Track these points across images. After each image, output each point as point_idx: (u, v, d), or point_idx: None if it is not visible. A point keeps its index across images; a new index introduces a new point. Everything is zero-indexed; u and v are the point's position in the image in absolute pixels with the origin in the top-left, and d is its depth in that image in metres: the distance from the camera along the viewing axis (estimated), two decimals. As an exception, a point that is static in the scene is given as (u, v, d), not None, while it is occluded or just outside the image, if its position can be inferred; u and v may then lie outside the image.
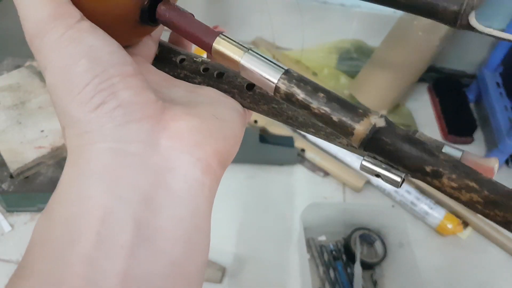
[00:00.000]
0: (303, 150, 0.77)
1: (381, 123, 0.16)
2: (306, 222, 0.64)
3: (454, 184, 0.16)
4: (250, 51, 0.19)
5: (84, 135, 0.16)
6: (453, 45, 0.89)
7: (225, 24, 0.97)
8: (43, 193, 0.60)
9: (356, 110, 0.16)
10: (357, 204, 0.73)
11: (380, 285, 0.63)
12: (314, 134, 0.20)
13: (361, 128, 0.16)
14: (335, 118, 0.16)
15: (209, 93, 0.21)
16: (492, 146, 0.83)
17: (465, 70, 0.96)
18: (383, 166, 0.17)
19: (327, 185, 0.75)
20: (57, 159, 0.62)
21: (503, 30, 0.86)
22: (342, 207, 0.70)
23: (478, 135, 0.88)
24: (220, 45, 0.20)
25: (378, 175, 0.17)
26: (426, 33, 0.74)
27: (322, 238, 0.67)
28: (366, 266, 0.63)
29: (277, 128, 0.80)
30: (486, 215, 0.16)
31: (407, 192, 0.72)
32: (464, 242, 0.70)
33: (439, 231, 0.69)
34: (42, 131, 0.62)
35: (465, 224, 0.71)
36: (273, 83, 0.18)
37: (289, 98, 0.17)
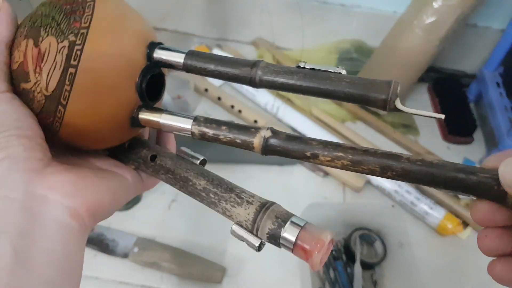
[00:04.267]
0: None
1: (268, 134, 0.23)
2: (306, 222, 0.64)
3: (328, 158, 0.21)
4: (166, 112, 0.25)
5: None
6: (453, 45, 0.89)
7: (225, 24, 0.97)
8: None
9: (249, 130, 0.23)
10: (357, 204, 0.73)
11: (380, 285, 0.63)
12: (200, 200, 0.24)
13: (256, 141, 0.23)
14: (238, 140, 0.23)
15: (105, 165, 0.26)
16: (492, 146, 0.83)
17: (465, 70, 0.96)
18: (247, 233, 0.22)
19: (327, 185, 0.75)
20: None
21: (503, 30, 0.86)
22: (342, 207, 0.70)
23: (478, 135, 0.88)
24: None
25: (242, 239, 0.23)
26: (426, 33, 0.74)
27: (322, 238, 0.67)
28: (366, 266, 0.63)
29: (277, 128, 0.80)
30: (358, 171, 0.21)
31: (407, 192, 0.72)
32: (464, 242, 0.70)
33: (439, 231, 0.69)
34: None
35: (465, 224, 0.71)
36: (188, 129, 0.24)
37: (203, 136, 0.24)
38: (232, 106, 0.82)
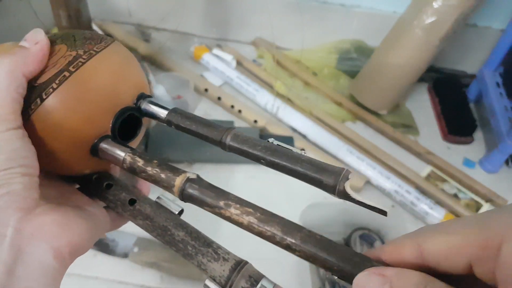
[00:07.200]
0: (303, 150, 0.77)
1: (193, 176, 0.24)
2: (306, 222, 0.64)
3: (238, 211, 0.22)
4: (108, 138, 0.25)
5: None
6: (453, 45, 0.89)
7: (225, 24, 0.97)
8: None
9: (177, 169, 0.24)
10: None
11: (380, 285, 0.63)
12: (177, 251, 0.25)
13: (178, 180, 0.23)
14: (163, 175, 0.24)
15: (77, 200, 0.26)
16: (492, 146, 0.83)
17: (465, 70, 0.96)
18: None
19: (327, 185, 0.75)
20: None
21: (503, 30, 0.86)
22: (342, 207, 0.70)
23: (478, 135, 0.88)
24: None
25: None
26: (426, 33, 0.74)
27: (322, 238, 0.67)
28: (366, 266, 0.63)
29: (277, 128, 0.80)
30: (261, 234, 0.22)
31: (407, 192, 0.72)
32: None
33: (439, 231, 0.69)
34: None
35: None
36: (121, 156, 0.25)
37: (132, 166, 0.25)
38: (232, 106, 0.82)
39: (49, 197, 0.25)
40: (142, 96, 0.27)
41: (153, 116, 0.27)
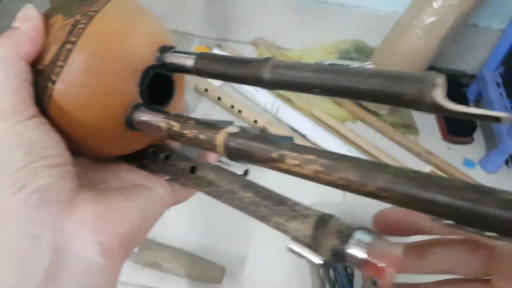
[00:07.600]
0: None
1: (234, 129, 0.21)
2: (306, 222, 0.63)
3: (296, 162, 0.18)
4: (140, 107, 0.23)
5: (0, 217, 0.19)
6: (453, 45, 0.89)
7: (225, 24, 0.97)
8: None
9: (216, 126, 0.21)
10: (357, 204, 0.73)
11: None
12: (250, 214, 0.22)
13: (219, 138, 0.20)
14: (202, 136, 0.21)
15: (134, 178, 0.24)
16: (492, 146, 0.83)
17: (465, 70, 0.96)
18: (306, 250, 0.19)
19: (327, 185, 0.75)
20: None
21: (503, 30, 0.86)
22: (342, 207, 0.70)
23: (478, 135, 0.88)
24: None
25: (301, 257, 0.19)
26: (426, 33, 0.74)
27: (322, 238, 0.67)
28: (366, 266, 0.62)
29: (277, 128, 0.80)
30: (333, 183, 0.17)
31: (407, 192, 0.72)
32: (464, 242, 0.70)
33: (439, 231, 0.69)
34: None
35: (465, 224, 0.71)
36: (156, 123, 0.22)
37: (169, 132, 0.22)
38: (232, 106, 0.82)
39: (96, 182, 0.23)
40: (164, 49, 0.23)
41: (180, 69, 0.23)
